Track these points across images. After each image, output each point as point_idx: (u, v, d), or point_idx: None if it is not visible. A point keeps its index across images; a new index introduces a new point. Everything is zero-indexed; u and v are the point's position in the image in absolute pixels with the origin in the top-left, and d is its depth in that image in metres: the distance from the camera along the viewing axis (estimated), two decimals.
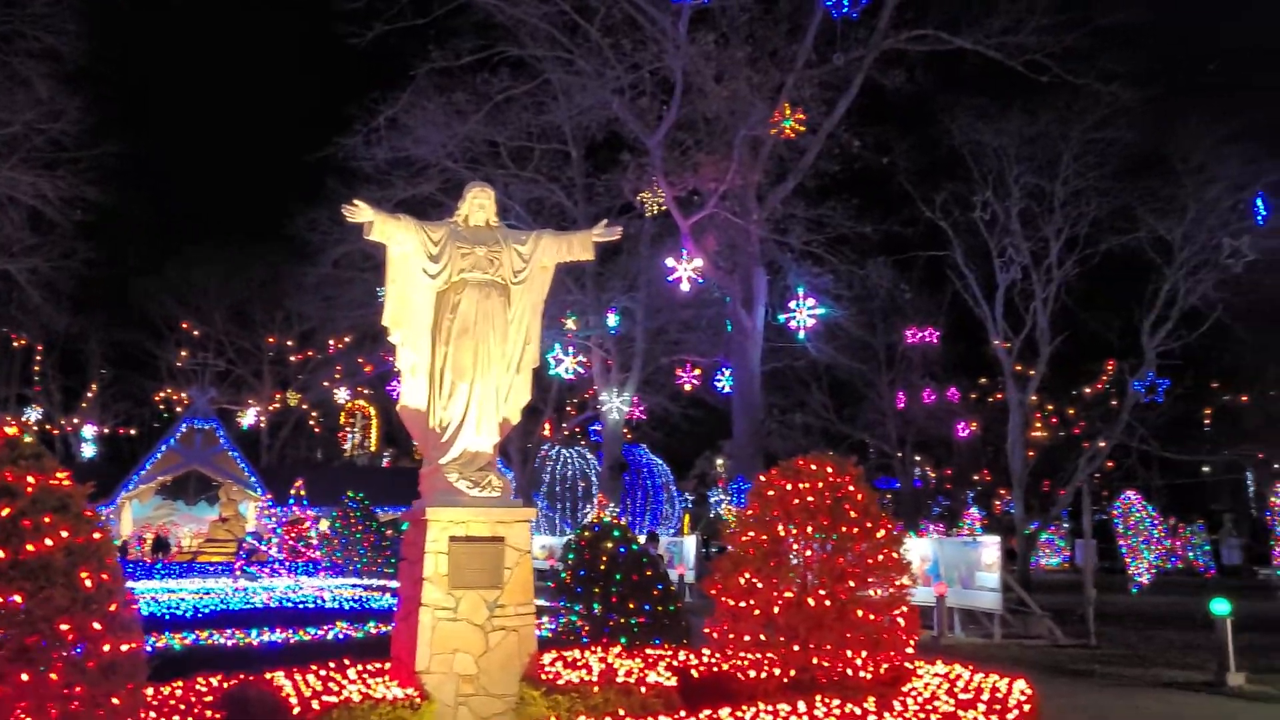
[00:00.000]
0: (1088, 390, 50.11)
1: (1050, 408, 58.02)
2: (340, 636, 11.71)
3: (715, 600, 7.75)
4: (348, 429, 79.47)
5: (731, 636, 7.58)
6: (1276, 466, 43.65)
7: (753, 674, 7.32)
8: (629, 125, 27.94)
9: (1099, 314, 34.04)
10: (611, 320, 35.82)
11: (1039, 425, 59.27)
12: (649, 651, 8.64)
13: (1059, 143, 30.48)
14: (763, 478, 8.04)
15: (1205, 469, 51.59)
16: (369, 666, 7.94)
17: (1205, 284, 29.13)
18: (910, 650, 7.65)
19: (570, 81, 29.00)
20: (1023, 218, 31.12)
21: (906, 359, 44.22)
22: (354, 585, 20.59)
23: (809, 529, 7.55)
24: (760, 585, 7.46)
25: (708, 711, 6.00)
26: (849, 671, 7.25)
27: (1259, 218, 29.16)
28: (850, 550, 7.57)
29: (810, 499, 7.64)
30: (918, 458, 55.65)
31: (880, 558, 7.60)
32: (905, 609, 7.64)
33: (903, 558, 7.77)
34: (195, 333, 59.33)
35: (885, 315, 40.94)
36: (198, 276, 56.27)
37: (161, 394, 61.55)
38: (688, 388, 39.15)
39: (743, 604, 7.49)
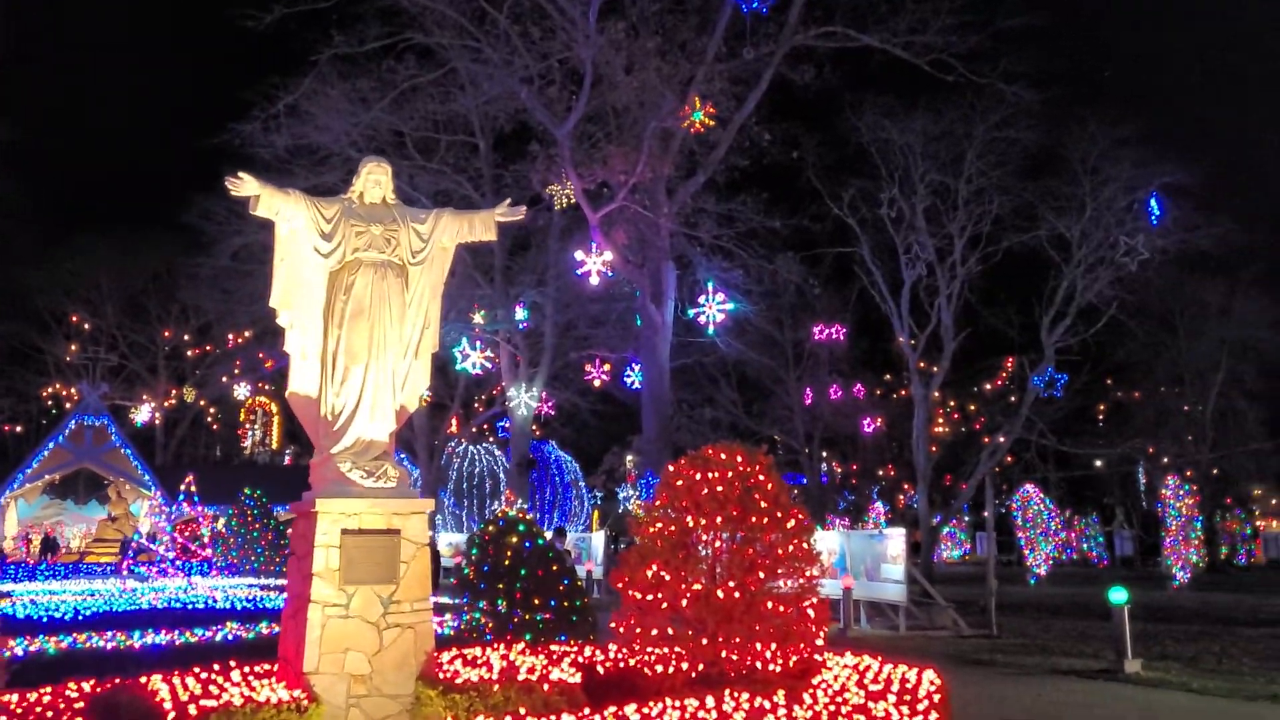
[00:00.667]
0: (988, 386, 51.36)
1: (953, 403, 59.51)
2: (230, 638, 11.14)
3: (622, 594, 7.48)
4: (248, 426, 77.39)
5: (638, 631, 7.32)
6: (1166, 460, 45.28)
7: (660, 669, 7.08)
8: (537, 116, 27.51)
9: (1000, 311, 34.89)
10: (520, 314, 35.33)
11: (941, 421, 60.68)
12: (554, 648, 8.33)
13: (963, 141, 31.10)
14: (671, 467, 7.81)
15: (1098, 463, 53.31)
16: (256, 668, 7.48)
17: (1102, 281, 30.00)
18: (820, 642, 7.49)
19: (477, 70, 28.43)
20: (928, 215, 31.65)
21: (814, 355, 44.65)
22: (249, 585, 19.80)
23: (718, 519, 7.34)
24: (668, 578, 7.22)
25: (613, 709, 5.73)
26: (758, 665, 7.06)
27: (1153, 218, 30.13)
28: (760, 541, 7.38)
29: (720, 489, 7.43)
30: (824, 453, 56.43)
31: (790, 549, 7.43)
32: (815, 600, 7.48)
33: (813, 548, 7.61)
34: (85, 325, 57.03)
35: (793, 312, 41.26)
36: (87, 267, 54.04)
37: (49, 389, 58.96)
38: (597, 383, 38.87)
39: (650, 597, 7.24)
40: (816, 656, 7.51)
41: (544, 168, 27.53)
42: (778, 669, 7.04)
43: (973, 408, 55.19)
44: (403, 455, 49.32)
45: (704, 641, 7.10)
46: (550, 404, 40.80)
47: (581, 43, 25.32)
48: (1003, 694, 12.29)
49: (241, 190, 7.28)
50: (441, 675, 7.11)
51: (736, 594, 7.09)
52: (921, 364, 33.79)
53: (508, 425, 41.03)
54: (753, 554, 7.31)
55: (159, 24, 76.21)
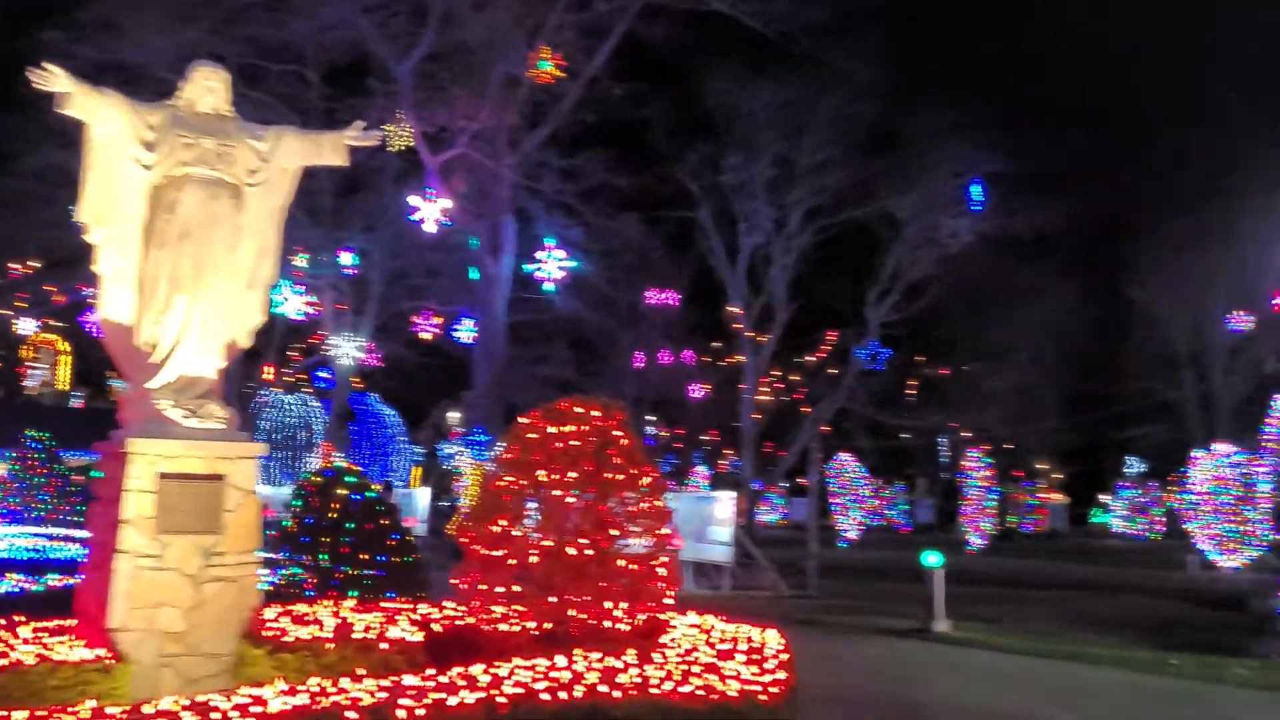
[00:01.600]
0: (810, 358, 52.99)
1: (776, 373, 61.00)
2: (14, 590, 10.10)
3: (466, 549, 7.08)
4: (29, 365, 71.60)
5: (482, 588, 6.95)
6: (969, 434, 47.80)
7: (504, 628, 6.74)
8: (377, 50, 26.15)
9: (830, 285, 35.84)
10: (347, 260, 33.78)
11: (766, 390, 62.23)
12: (387, 605, 7.88)
13: (806, 115, 31.56)
14: (523, 420, 7.44)
15: (906, 435, 55.90)
16: (48, 624, 6.72)
17: (926, 261, 31.18)
18: (669, 601, 7.33)
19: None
20: (768, 185, 32.06)
21: (647, 319, 44.86)
22: (34, 535, 18.21)
23: (571, 474, 7.02)
24: (516, 533, 6.87)
25: (459, 668, 5.37)
26: (606, 624, 6.82)
27: (975, 203, 31.51)
28: (614, 498, 7.12)
29: (574, 443, 7.11)
30: (653, 417, 56.98)
31: (644, 506, 7.20)
32: (666, 559, 7.30)
33: (665, 507, 7.41)
34: None
35: (630, 274, 41.27)
36: None
37: None
38: (426, 336, 37.83)
39: (496, 553, 6.87)
40: (663, 616, 7.34)
41: (381, 106, 26.25)
42: (627, 628, 6.82)
43: (795, 378, 56.86)
44: (221, 386, 46.78)
45: (551, 600, 6.79)
46: (377, 355, 39.48)
47: None
48: (827, 651, 12.55)
49: (51, 84, 6.40)
50: (266, 633, 6.54)
51: (588, 551, 6.82)
52: (752, 333, 34.41)
53: (328, 375, 39.50)
54: (605, 511, 7.05)
55: None
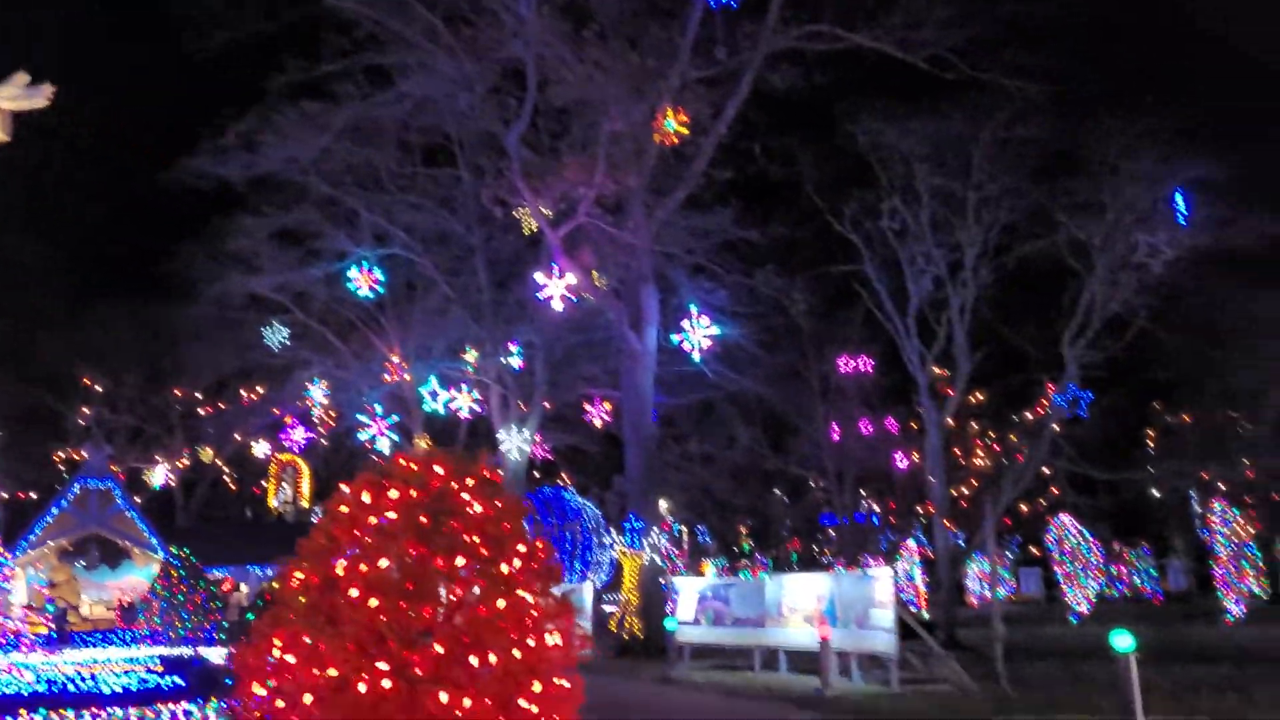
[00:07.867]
0: (1030, 416, 48.34)
1: (992, 435, 56.12)
2: None
3: (243, 684, 4.94)
4: (277, 483, 76.90)
5: None
6: (1223, 486, 41.36)
7: None
8: (483, 124, 25.30)
9: (1022, 329, 31.81)
10: (513, 350, 33.25)
11: (980, 453, 57.23)
12: None
13: (969, 144, 28.38)
14: (344, 488, 5.29)
15: (1154, 490, 49.58)
16: None
17: (1126, 288, 26.94)
18: None
19: (433, 85, 26.38)
20: (934, 225, 28.91)
21: (840, 389, 41.97)
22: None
23: (382, 563, 4.79)
24: (293, 660, 4.67)
25: None
26: None
27: (1180, 215, 27.05)
28: (451, 594, 4.82)
29: (391, 515, 4.89)
30: (861, 491, 53.59)
31: (502, 604, 4.85)
32: (546, 686, 4.87)
33: (552, 604, 5.03)
34: (98, 388, 55.99)
35: (818, 343, 38.68)
36: (108, 330, 52.19)
37: (61, 454, 58.17)
38: (598, 423, 36.67)
39: (261, 691, 4.70)
40: None
41: (494, 183, 25.26)
42: None
43: (1014, 438, 52.04)
44: None
45: None
46: (547, 447, 38.42)
47: (519, 34, 23.04)
48: None
49: None
50: None
51: (386, 682, 4.52)
52: (943, 388, 31.01)
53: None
54: (431, 615, 4.76)
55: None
